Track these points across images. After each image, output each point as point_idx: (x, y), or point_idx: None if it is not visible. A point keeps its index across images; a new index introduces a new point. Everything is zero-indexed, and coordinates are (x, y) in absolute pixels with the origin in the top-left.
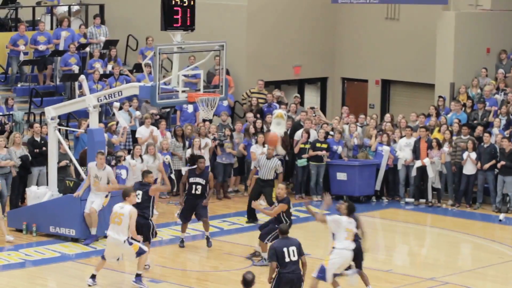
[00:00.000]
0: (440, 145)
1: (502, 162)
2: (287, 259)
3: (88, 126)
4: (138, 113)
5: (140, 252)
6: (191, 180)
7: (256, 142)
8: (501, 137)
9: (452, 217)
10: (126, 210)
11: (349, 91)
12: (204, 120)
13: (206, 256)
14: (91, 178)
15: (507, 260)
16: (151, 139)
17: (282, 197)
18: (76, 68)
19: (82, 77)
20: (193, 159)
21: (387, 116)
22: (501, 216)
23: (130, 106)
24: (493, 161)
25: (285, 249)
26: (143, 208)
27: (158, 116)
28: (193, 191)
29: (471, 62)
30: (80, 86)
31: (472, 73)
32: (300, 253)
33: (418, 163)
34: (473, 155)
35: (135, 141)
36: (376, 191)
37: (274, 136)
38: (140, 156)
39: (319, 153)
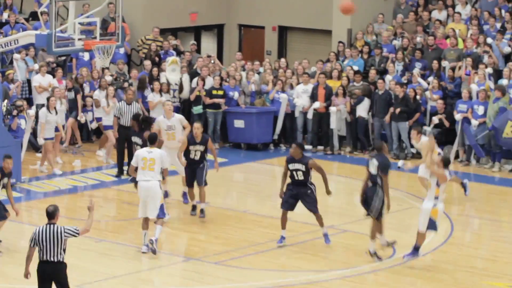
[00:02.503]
0: (345, 93)
1: (398, 109)
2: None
3: None
4: (36, 66)
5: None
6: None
7: (153, 91)
8: (394, 83)
9: (350, 164)
10: (156, 154)
11: (246, 38)
12: (102, 69)
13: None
14: (163, 132)
15: (406, 207)
16: (50, 90)
17: (200, 137)
18: None
19: None
20: (147, 123)
21: (282, 62)
22: (400, 162)
23: (27, 55)
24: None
25: None
26: None
27: (54, 65)
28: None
29: (368, 8)
30: None
31: (369, 19)
32: None
33: (315, 105)
34: (366, 102)
35: (31, 91)
36: (274, 139)
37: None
38: (55, 108)
39: (215, 100)
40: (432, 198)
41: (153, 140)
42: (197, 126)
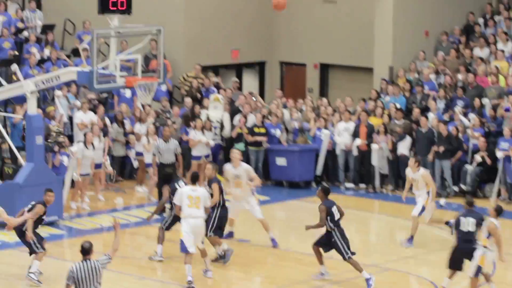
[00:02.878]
0: (386, 131)
1: (442, 148)
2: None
3: (25, 112)
4: (78, 102)
5: None
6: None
7: (194, 128)
8: (436, 121)
9: (392, 202)
10: (201, 193)
11: (287, 75)
12: (143, 106)
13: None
14: (230, 180)
15: (448, 245)
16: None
17: (211, 177)
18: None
19: (14, 66)
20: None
21: (324, 101)
22: (442, 201)
23: (68, 91)
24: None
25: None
26: None
27: (96, 101)
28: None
29: (410, 45)
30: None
31: (410, 56)
32: None
33: (357, 142)
34: (408, 139)
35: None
36: (316, 176)
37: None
38: (92, 143)
39: (257, 138)
40: None
41: (196, 179)
42: (208, 168)
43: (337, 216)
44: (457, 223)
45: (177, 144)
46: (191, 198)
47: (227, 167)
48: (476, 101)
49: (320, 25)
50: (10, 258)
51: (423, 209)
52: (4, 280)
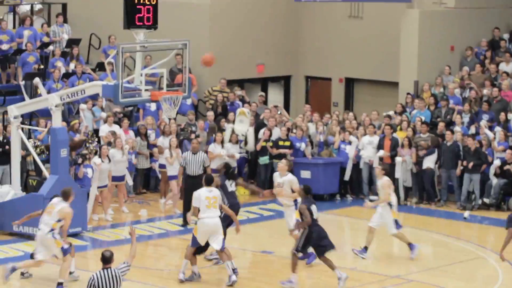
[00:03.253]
0: (410, 144)
1: (471, 163)
2: None
3: (47, 126)
4: (103, 114)
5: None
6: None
7: (214, 141)
8: (461, 134)
9: (416, 214)
10: (216, 193)
11: (312, 89)
12: (168, 119)
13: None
14: (274, 187)
15: (472, 257)
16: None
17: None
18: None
19: (36, 80)
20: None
21: (351, 115)
22: (466, 213)
23: (94, 105)
24: (469, 163)
25: None
26: None
27: (121, 115)
28: None
29: (435, 60)
30: (43, 85)
31: (436, 71)
32: None
33: (380, 153)
34: (434, 156)
35: (99, 141)
36: (340, 190)
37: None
38: (107, 156)
39: (281, 151)
40: None
41: (210, 182)
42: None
43: (315, 215)
44: None
45: (206, 157)
46: (209, 198)
47: (275, 173)
48: (502, 115)
49: (345, 39)
50: (34, 269)
51: (397, 223)
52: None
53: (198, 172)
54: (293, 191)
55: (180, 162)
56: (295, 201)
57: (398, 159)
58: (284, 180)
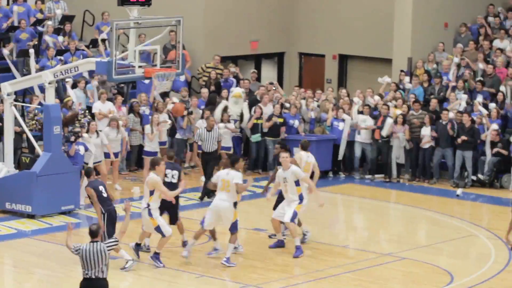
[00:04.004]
0: (404, 121)
1: (464, 138)
2: None
3: (39, 102)
4: (95, 82)
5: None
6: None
7: (202, 117)
8: (456, 112)
9: (409, 192)
10: (232, 176)
11: (306, 66)
12: (161, 95)
13: None
14: (281, 183)
15: (465, 235)
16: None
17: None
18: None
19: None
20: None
21: (344, 93)
22: (459, 191)
23: (87, 83)
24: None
25: None
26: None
27: (116, 91)
28: None
29: (429, 36)
30: (37, 62)
31: (429, 47)
32: None
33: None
34: (428, 130)
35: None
36: (334, 167)
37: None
38: (96, 131)
39: (274, 119)
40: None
41: (233, 163)
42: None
43: None
44: None
45: (219, 133)
46: (224, 181)
47: (279, 171)
48: (499, 95)
49: (339, 16)
50: (27, 247)
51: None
52: (22, 269)
53: (213, 148)
54: (297, 184)
55: (195, 139)
56: (300, 196)
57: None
58: (287, 174)
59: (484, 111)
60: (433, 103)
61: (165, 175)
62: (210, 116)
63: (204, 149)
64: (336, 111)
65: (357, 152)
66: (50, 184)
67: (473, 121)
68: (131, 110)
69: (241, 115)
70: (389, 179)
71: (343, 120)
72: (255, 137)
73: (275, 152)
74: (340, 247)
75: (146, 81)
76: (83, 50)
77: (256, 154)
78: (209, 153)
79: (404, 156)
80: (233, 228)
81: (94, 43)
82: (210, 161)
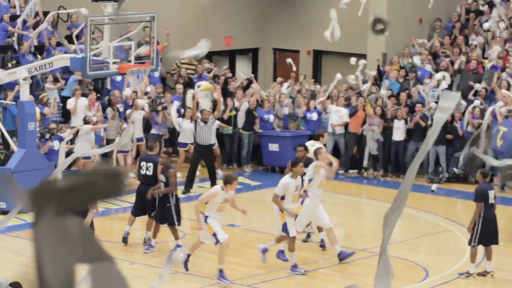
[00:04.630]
0: (382, 115)
1: (417, 119)
2: None
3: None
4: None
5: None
6: None
7: (184, 117)
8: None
9: (383, 187)
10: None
11: (280, 61)
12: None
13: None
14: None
15: (440, 230)
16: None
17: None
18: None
19: None
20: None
21: (318, 87)
22: (434, 186)
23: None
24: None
25: None
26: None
27: (92, 87)
28: None
29: (404, 32)
30: (12, 58)
31: (404, 43)
32: None
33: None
34: (402, 123)
35: (66, 112)
36: None
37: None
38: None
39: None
40: None
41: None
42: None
43: None
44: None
45: (217, 124)
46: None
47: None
48: (482, 91)
49: (313, 11)
50: (1, 243)
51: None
52: None
53: (208, 142)
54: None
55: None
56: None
57: (365, 126)
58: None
59: (463, 102)
60: (402, 96)
61: (140, 167)
62: (205, 110)
63: (198, 141)
64: (306, 105)
65: (329, 144)
66: (24, 180)
67: (453, 117)
68: (109, 103)
69: (214, 107)
70: (364, 172)
71: (316, 108)
72: (226, 130)
73: (299, 155)
74: (315, 243)
75: (118, 78)
76: (61, 46)
77: (230, 147)
78: (204, 146)
79: (376, 146)
80: (285, 231)
81: (68, 40)
82: (207, 155)
